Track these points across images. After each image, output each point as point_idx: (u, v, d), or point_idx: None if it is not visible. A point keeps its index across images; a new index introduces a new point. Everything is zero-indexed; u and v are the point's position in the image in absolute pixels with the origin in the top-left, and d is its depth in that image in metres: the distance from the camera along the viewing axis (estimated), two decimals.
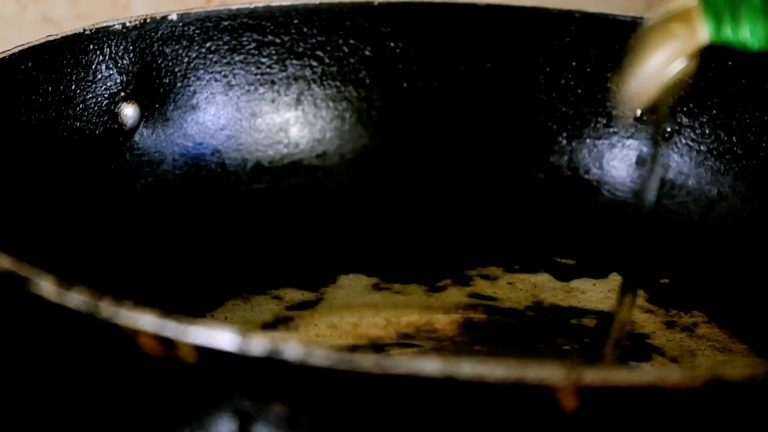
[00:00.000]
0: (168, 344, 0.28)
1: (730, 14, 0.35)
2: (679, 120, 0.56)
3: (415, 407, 0.27)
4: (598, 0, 0.67)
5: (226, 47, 0.56)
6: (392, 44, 0.58)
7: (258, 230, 0.55)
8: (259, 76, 0.57)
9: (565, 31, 0.57)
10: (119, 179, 0.52)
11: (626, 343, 0.48)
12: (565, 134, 0.57)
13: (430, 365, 0.26)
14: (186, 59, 0.55)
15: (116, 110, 0.52)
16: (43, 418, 0.33)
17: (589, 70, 0.57)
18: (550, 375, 0.26)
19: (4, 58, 0.46)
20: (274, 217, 0.56)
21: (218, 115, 0.56)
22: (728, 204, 0.54)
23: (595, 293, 0.52)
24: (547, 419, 0.26)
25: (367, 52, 0.58)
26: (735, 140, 0.54)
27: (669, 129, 0.56)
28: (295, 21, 0.57)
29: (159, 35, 0.53)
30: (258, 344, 0.27)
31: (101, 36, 0.51)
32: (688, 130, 0.56)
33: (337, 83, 0.58)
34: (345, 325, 0.49)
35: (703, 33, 0.36)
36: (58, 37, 0.49)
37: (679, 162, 0.56)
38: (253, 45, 0.56)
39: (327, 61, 0.58)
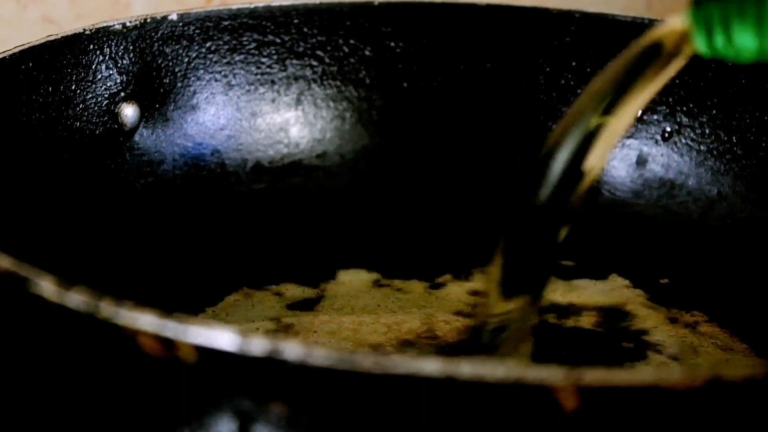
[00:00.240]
0: (168, 344, 0.28)
1: (720, 26, 0.34)
2: (679, 120, 0.56)
3: (415, 407, 0.27)
4: (598, 0, 0.67)
5: (226, 47, 0.56)
6: (392, 44, 0.58)
7: (258, 229, 0.55)
8: (259, 76, 0.57)
9: (565, 31, 0.57)
10: (119, 179, 0.52)
11: (626, 344, 0.48)
12: None
13: (430, 365, 0.26)
14: (186, 59, 0.55)
15: (116, 110, 0.52)
16: (43, 418, 0.33)
17: (589, 70, 0.57)
18: (550, 375, 0.26)
19: (4, 58, 0.46)
20: (274, 217, 0.56)
21: (218, 115, 0.56)
22: (728, 204, 0.54)
23: (595, 293, 0.52)
24: (547, 419, 0.26)
25: (367, 52, 0.58)
26: (735, 140, 0.54)
27: (669, 129, 0.56)
28: (296, 21, 0.57)
29: (159, 35, 0.53)
30: (258, 344, 0.27)
31: (101, 36, 0.51)
32: (688, 130, 0.56)
33: (338, 83, 0.58)
34: (344, 332, 0.49)
35: (693, 46, 0.35)
36: (58, 37, 0.49)
37: (679, 162, 0.56)
38: (253, 45, 0.56)
39: (327, 60, 0.58)
